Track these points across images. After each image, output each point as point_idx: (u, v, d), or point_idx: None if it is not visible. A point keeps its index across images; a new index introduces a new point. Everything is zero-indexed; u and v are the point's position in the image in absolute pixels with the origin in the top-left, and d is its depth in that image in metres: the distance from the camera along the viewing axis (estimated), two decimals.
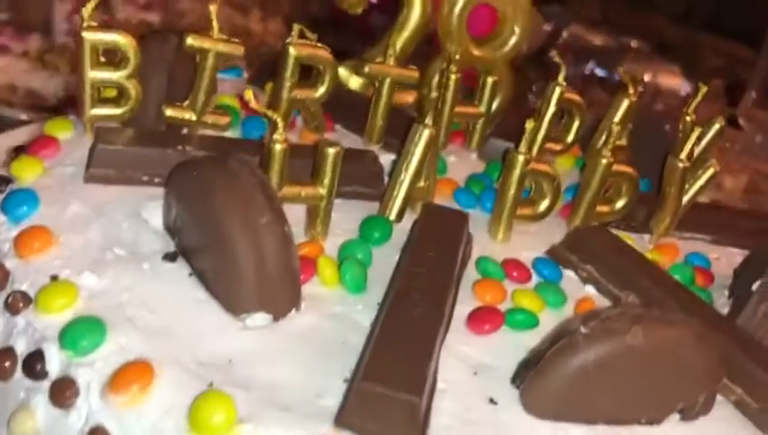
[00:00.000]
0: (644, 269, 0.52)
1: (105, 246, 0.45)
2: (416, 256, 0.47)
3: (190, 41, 0.53)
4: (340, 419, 0.36)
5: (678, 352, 0.40)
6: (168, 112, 0.55)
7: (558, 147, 0.69)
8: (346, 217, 0.53)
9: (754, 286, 0.54)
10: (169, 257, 0.44)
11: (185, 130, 0.56)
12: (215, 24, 0.54)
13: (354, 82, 0.68)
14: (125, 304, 0.41)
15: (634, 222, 0.63)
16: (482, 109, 0.67)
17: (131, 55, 0.52)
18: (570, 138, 0.69)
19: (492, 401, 0.41)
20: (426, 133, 0.51)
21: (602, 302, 0.52)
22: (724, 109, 1.41)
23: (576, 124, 0.69)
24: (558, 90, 0.66)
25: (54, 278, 0.42)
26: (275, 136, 0.46)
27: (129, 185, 0.50)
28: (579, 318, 0.42)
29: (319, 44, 0.59)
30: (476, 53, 0.73)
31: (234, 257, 0.41)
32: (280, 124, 0.46)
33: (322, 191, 0.48)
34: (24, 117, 1.13)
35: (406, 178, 0.52)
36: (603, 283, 0.52)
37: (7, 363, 0.39)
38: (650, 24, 1.86)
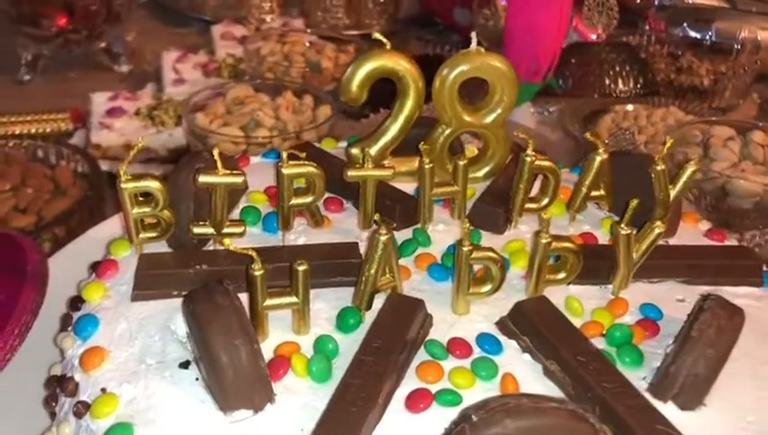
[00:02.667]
0: (569, 341, 0.62)
1: (141, 358, 0.62)
2: (366, 345, 0.60)
3: (202, 178, 0.69)
4: None
5: (548, 432, 0.51)
6: (195, 230, 0.71)
7: (534, 206, 0.79)
8: (329, 306, 0.67)
9: (668, 349, 0.63)
10: (183, 365, 0.61)
11: (211, 242, 0.73)
12: (219, 164, 0.68)
13: None
14: (149, 408, 0.58)
15: (596, 275, 0.72)
16: (457, 187, 0.77)
17: (160, 195, 0.69)
18: (545, 201, 0.78)
19: None
20: (381, 242, 0.64)
21: (535, 368, 0.63)
22: None
23: (551, 186, 0.78)
24: (528, 160, 0.76)
25: (104, 390, 0.59)
26: (254, 266, 0.61)
27: (163, 299, 0.67)
28: (474, 407, 0.53)
29: (307, 162, 0.72)
30: (468, 119, 0.83)
31: (218, 369, 0.56)
32: (256, 260, 0.60)
33: (297, 300, 0.63)
34: (140, 172, 1.36)
35: (369, 276, 0.65)
36: (535, 353, 0.63)
37: None
38: None
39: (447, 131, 0.84)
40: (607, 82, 1.68)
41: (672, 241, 0.82)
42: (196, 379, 0.60)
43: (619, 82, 1.67)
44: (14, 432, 0.68)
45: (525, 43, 1.49)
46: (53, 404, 0.64)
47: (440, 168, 0.85)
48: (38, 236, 1.06)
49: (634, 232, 0.69)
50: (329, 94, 1.31)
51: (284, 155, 0.71)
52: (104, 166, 1.33)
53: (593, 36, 1.86)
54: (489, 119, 0.83)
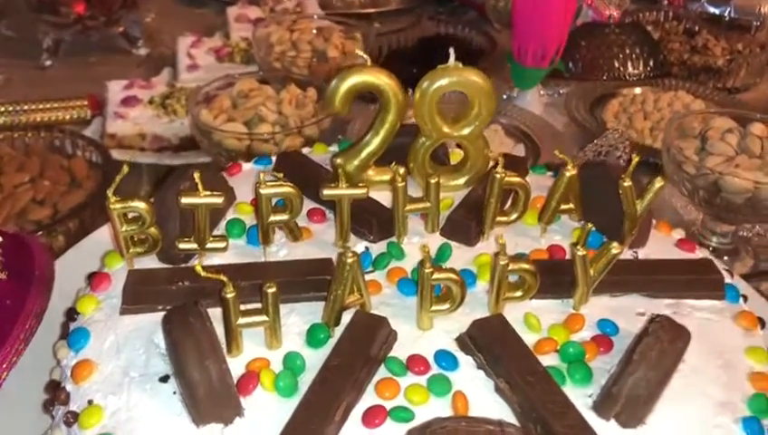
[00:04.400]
0: (518, 361, 0.66)
1: (126, 370, 0.68)
2: (328, 363, 0.66)
3: (184, 200, 0.74)
4: None
5: None
6: (181, 245, 0.77)
7: (505, 219, 0.82)
8: (302, 320, 0.72)
9: (611, 369, 0.66)
10: (163, 379, 0.67)
11: (196, 256, 0.78)
12: (200, 187, 0.73)
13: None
14: (130, 419, 0.64)
15: (558, 290, 0.76)
16: (429, 204, 0.81)
17: (147, 215, 0.74)
18: (514, 216, 0.82)
19: None
20: (347, 264, 0.68)
21: (487, 385, 0.67)
22: None
23: (521, 201, 0.82)
24: (498, 177, 0.79)
25: (90, 402, 0.66)
26: (225, 289, 0.66)
27: (148, 313, 0.73)
28: (418, 428, 0.58)
29: (285, 182, 0.77)
30: (447, 131, 0.87)
31: (190, 387, 0.62)
32: (227, 283, 0.65)
33: (267, 318, 0.68)
34: (153, 160, 1.41)
35: (337, 296, 0.70)
36: (488, 370, 0.68)
37: None
38: None
39: (428, 142, 0.87)
40: (616, 64, 1.68)
41: (642, 251, 0.85)
42: (174, 392, 0.66)
43: (629, 64, 1.67)
44: (20, 432, 0.75)
45: (532, 28, 1.50)
46: (51, 409, 0.71)
47: (422, 176, 0.89)
48: (53, 230, 1.13)
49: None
50: None
51: (262, 176, 0.75)
52: (119, 155, 1.39)
53: (607, 14, 1.85)
54: (467, 131, 0.86)
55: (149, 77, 1.60)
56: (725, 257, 1.26)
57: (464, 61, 1.72)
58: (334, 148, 1.01)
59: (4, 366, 0.76)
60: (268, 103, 1.26)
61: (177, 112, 1.45)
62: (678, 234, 0.89)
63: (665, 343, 0.64)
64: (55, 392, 0.69)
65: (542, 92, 1.68)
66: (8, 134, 1.34)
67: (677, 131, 1.28)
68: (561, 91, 1.70)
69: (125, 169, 0.73)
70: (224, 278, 0.65)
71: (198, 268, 0.66)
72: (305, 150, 1.00)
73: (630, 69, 1.67)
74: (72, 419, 0.65)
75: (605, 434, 0.63)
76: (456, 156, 0.96)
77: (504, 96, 1.63)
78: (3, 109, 1.55)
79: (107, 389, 0.67)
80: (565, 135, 1.49)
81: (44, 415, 0.75)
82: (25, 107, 1.55)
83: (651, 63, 1.67)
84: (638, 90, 1.62)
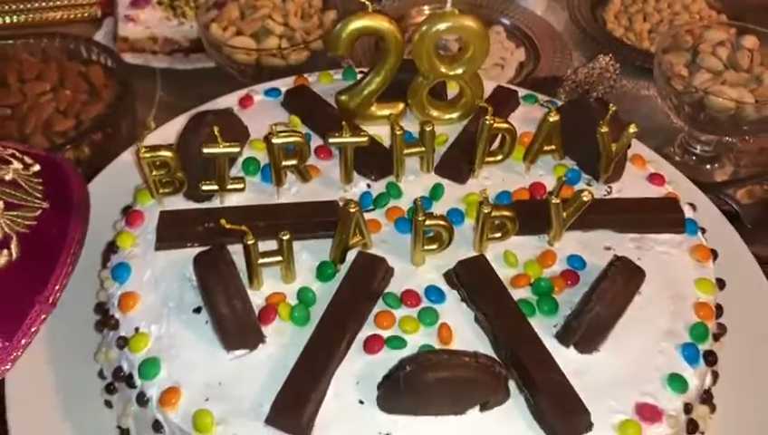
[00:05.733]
0: (494, 297, 0.78)
1: (164, 302, 0.80)
2: (335, 299, 0.78)
3: (206, 150, 0.83)
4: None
5: (460, 381, 0.69)
6: (204, 187, 0.87)
7: (493, 159, 0.92)
8: (312, 257, 0.83)
9: (575, 302, 0.78)
10: (196, 311, 0.79)
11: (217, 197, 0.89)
12: (219, 139, 0.82)
13: None
14: (172, 345, 0.77)
15: (535, 228, 0.87)
16: (423, 148, 0.90)
17: (172, 163, 0.84)
18: (500, 157, 0.91)
19: (360, 401, 0.73)
20: (350, 213, 0.79)
21: (469, 315, 0.80)
22: None
23: (508, 145, 0.91)
24: (487, 123, 0.88)
25: (137, 330, 0.78)
26: (247, 237, 0.77)
27: (180, 249, 0.84)
28: (408, 358, 0.71)
29: (294, 131, 0.86)
30: (444, 70, 0.94)
31: (220, 321, 0.74)
32: (248, 232, 0.76)
33: (283, 259, 0.79)
34: (165, 65, 1.48)
35: (342, 239, 0.81)
36: (469, 303, 0.80)
37: (122, 374, 0.78)
38: None
39: (426, 82, 0.95)
40: None
41: (616, 186, 0.94)
42: (206, 322, 0.78)
43: None
44: (77, 342, 0.89)
45: None
46: (103, 329, 0.84)
47: (420, 112, 0.98)
48: (80, 143, 1.22)
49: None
50: None
51: (274, 128, 0.84)
52: (132, 59, 1.45)
53: None
54: (461, 70, 0.94)
55: None
56: (708, 166, 1.36)
57: None
58: (339, 76, 1.08)
59: (57, 288, 0.89)
60: (275, 15, 1.32)
61: (185, 15, 1.50)
62: (652, 166, 0.98)
63: (619, 286, 0.76)
64: (105, 317, 0.82)
65: None
66: (25, 40, 1.39)
67: (672, 39, 1.33)
68: None
69: (151, 124, 0.82)
70: (245, 229, 0.76)
71: (223, 222, 0.76)
72: (311, 79, 1.07)
73: None
74: (123, 343, 0.78)
75: (564, 358, 0.76)
76: (453, 85, 1.04)
77: None
78: (15, 7, 1.59)
79: (150, 318, 0.79)
80: (566, 37, 1.54)
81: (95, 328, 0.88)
82: (36, 5, 1.59)
83: None
84: None
